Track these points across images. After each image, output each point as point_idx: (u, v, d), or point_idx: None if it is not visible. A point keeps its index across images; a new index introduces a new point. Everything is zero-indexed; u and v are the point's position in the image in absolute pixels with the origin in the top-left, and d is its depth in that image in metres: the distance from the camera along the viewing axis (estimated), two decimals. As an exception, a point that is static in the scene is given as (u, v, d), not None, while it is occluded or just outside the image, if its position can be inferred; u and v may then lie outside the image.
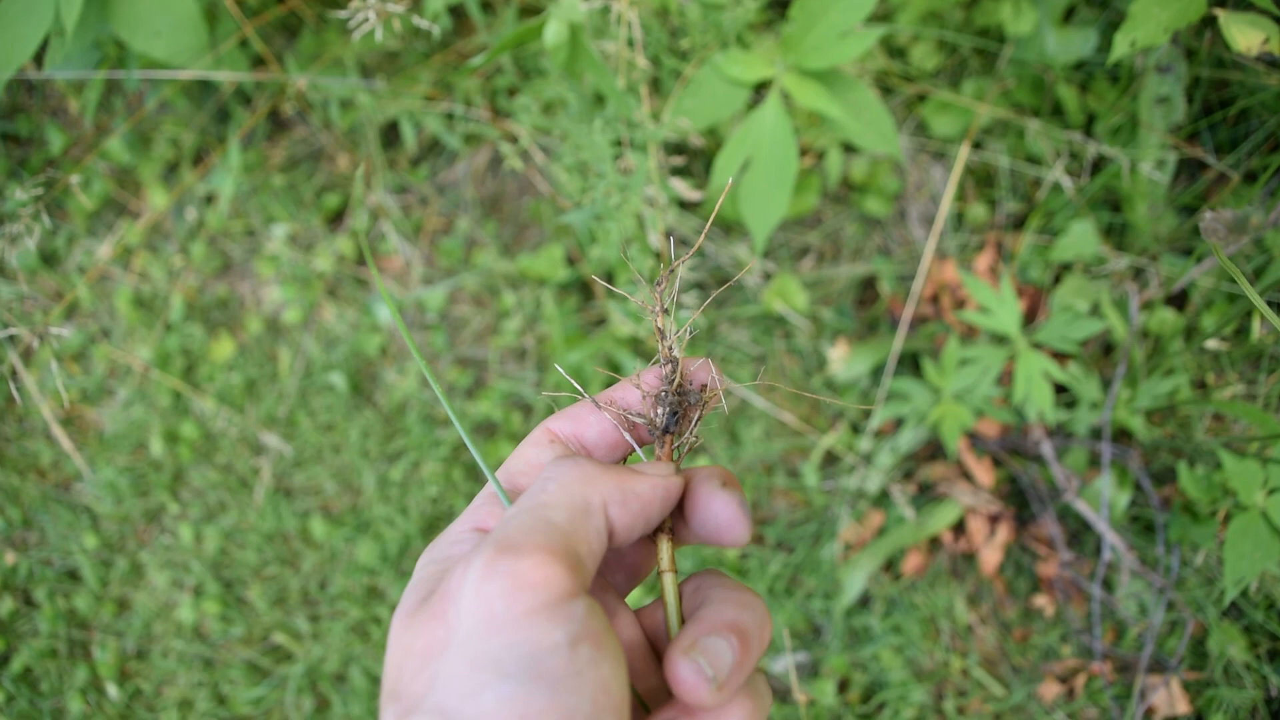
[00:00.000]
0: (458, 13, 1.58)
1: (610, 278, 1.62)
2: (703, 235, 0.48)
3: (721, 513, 0.42)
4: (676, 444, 0.48)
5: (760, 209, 1.02)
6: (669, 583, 0.44)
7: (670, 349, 0.48)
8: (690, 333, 0.55)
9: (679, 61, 1.14)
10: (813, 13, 0.95)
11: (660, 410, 0.47)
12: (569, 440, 0.47)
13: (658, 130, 1.00)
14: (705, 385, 0.49)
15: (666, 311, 0.49)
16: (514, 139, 1.56)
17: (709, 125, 1.07)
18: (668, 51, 1.16)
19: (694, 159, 1.51)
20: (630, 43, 1.04)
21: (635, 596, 1.41)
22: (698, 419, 0.48)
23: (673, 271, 0.50)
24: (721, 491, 0.43)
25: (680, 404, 0.47)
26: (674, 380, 0.47)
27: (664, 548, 0.45)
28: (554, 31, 0.93)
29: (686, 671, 0.38)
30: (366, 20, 1.01)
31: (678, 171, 1.04)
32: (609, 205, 0.94)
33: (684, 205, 1.54)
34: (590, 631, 0.35)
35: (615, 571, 0.48)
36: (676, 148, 1.37)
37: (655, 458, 0.48)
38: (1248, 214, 0.75)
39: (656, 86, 1.24)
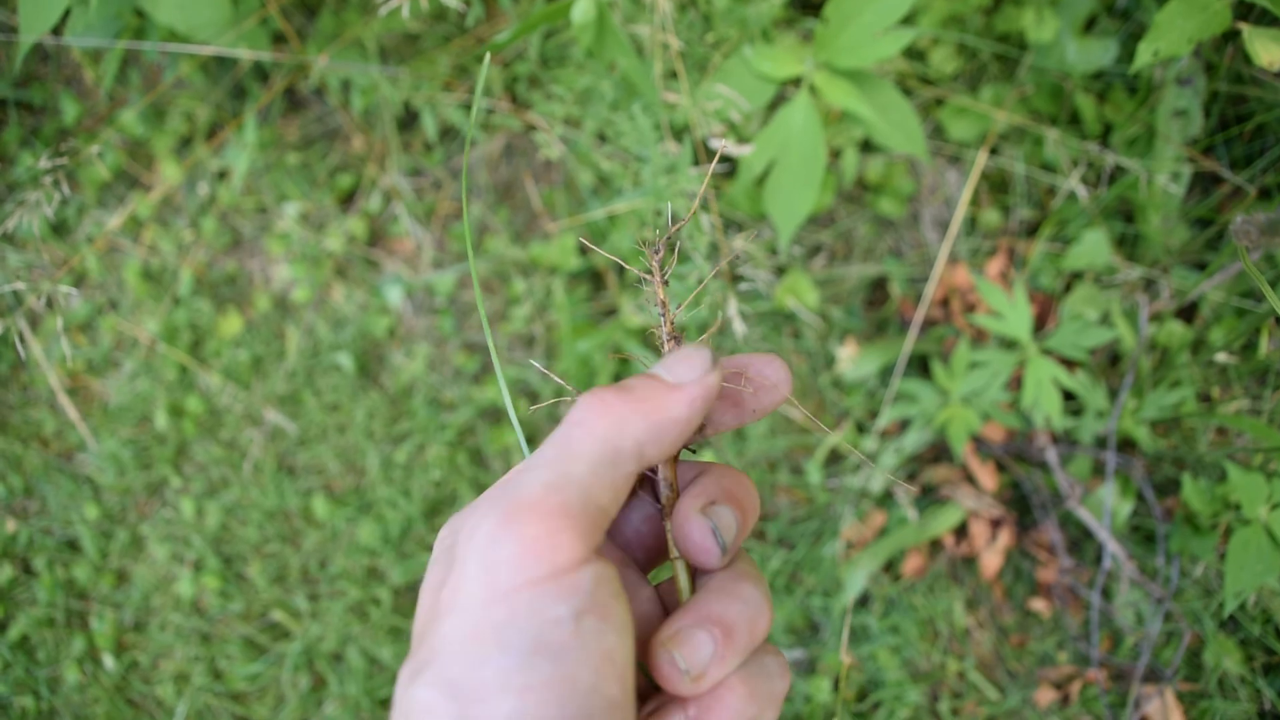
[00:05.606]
0: (482, -3, 1.57)
1: (621, 266, 1.62)
2: (695, 206, 0.48)
3: (692, 536, 0.41)
4: None
5: (786, 206, 1.03)
6: (680, 568, 0.45)
7: (672, 322, 0.47)
8: (711, 323, 0.54)
9: (707, 51, 1.14)
10: (847, 12, 0.95)
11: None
12: None
13: (706, 91, 0.99)
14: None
15: (666, 283, 0.48)
16: (531, 128, 1.56)
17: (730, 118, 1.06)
18: (694, 41, 1.16)
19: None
20: (663, 26, 1.04)
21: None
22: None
23: (670, 238, 0.49)
24: (697, 516, 0.41)
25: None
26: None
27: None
28: (582, 10, 0.93)
29: (661, 663, 0.38)
30: None
31: (712, 156, 1.05)
32: (658, 185, 0.95)
33: (717, 190, 1.54)
34: (597, 603, 0.35)
35: (636, 550, 0.48)
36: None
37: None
38: (1281, 219, 0.76)
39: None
